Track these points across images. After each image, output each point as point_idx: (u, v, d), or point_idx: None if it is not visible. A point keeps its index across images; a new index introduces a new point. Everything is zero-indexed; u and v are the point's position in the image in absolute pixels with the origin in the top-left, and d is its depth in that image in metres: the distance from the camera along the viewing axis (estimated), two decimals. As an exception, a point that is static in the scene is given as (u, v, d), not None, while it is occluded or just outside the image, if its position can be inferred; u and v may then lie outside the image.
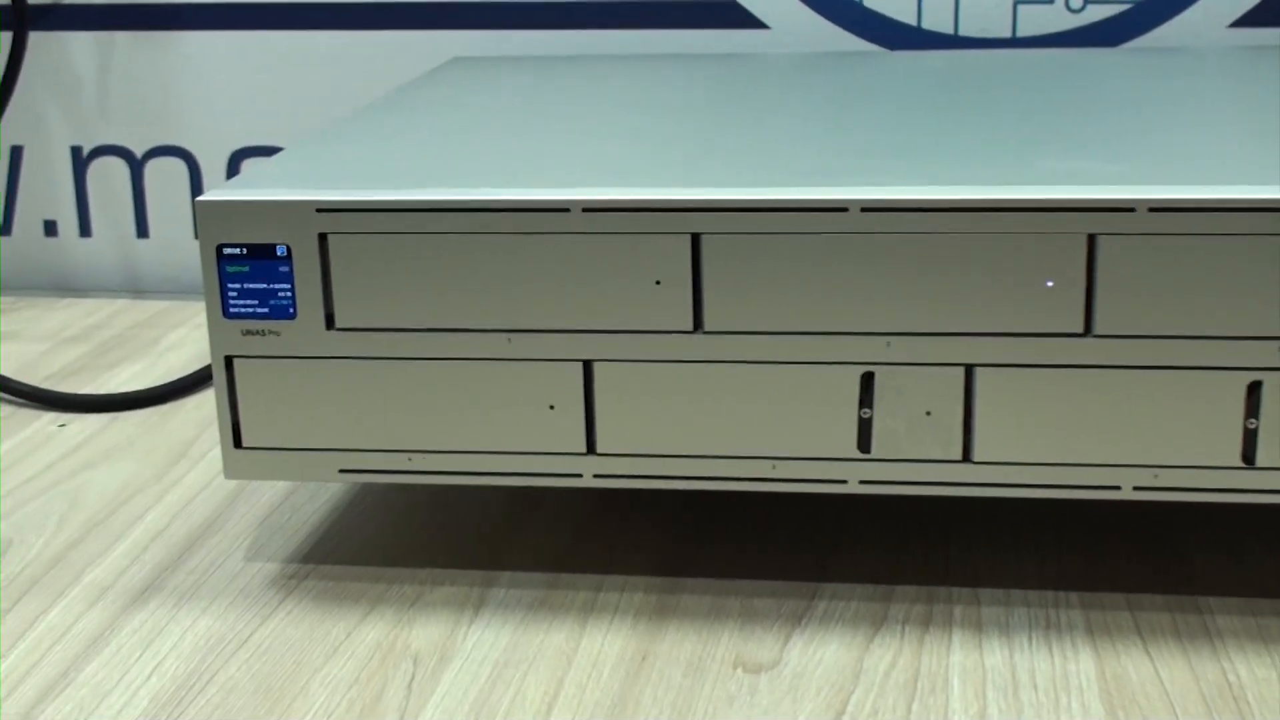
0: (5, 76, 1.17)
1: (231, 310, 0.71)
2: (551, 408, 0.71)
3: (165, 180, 1.29)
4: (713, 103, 0.90)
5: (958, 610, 0.73)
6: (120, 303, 1.27)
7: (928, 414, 0.69)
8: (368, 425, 0.72)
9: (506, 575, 0.77)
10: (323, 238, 0.70)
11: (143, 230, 1.30)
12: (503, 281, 0.69)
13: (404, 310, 0.70)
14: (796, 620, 0.73)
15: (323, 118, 1.25)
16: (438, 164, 0.75)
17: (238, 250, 0.70)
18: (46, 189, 1.32)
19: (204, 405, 1.03)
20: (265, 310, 0.71)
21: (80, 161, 1.30)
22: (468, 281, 0.70)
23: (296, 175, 0.74)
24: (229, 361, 0.72)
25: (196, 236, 1.29)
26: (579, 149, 0.78)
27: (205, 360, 1.11)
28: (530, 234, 0.69)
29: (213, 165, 1.28)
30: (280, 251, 0.70)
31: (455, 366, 0.71)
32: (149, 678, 0.70)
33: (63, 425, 1.01)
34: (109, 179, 1.30)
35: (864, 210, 0.67)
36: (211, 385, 1.06)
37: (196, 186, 1.28)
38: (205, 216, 0.70)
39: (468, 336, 0.70)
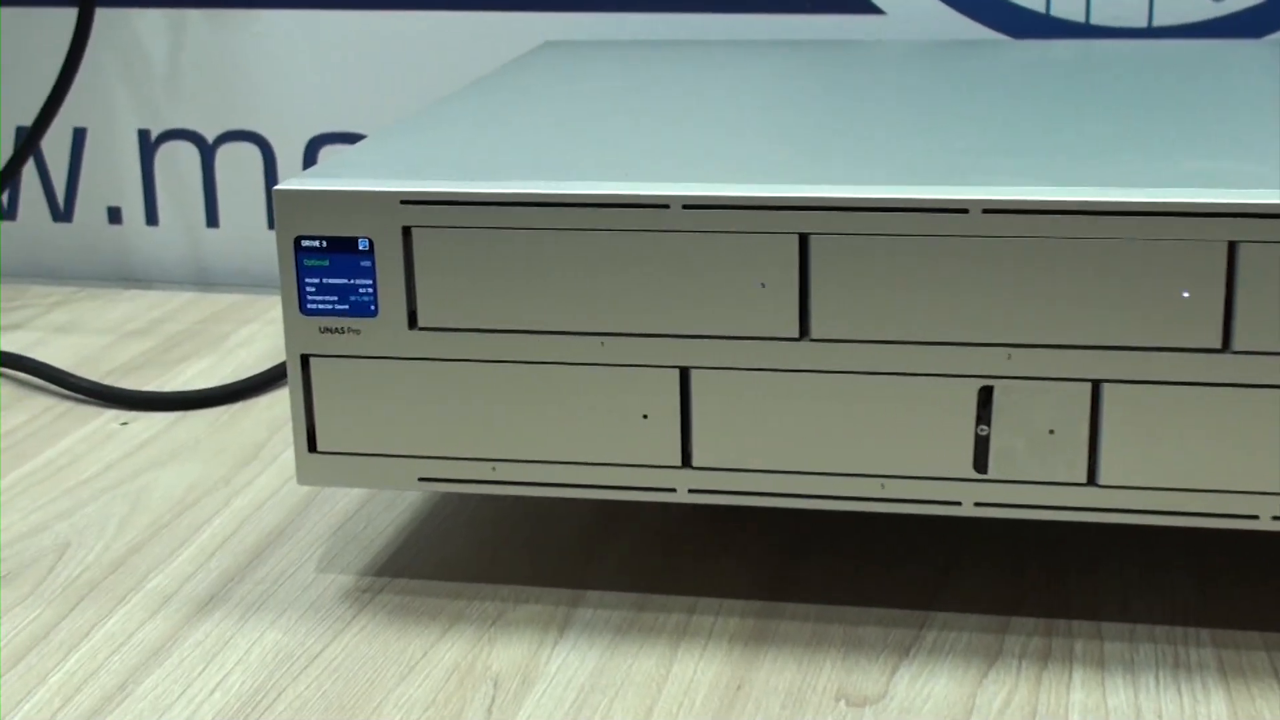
0: (70, 54, 1.18)
1: (309, 306, 0.72)
2: (645, 417, 0.71)
3: (237, 167, 1.31)
4: (823, 93, 0.90)
5: (1079, 645, 0.73)
6: (187, 295, 1.29)
7: (1050, 433, 0.69)
8: (450, 431, 0.73)
9: (594, 594, 0.78)
10: (407, 231, 0.71)
11: (213, 219, 1.32)
12: (596, 282, 0.70)
13: (491, 310, 0.71)
14: (904, 651, 0.73)
15: (407, 104, 1.26)
16: (529, 155, 0.76)
17: (317, 243, 0.71)
18: (111, 174, 1.34)
19: (275, 406, 1.04)
20: (345, 307, 0.72)
21: (147, 146, 1.32)
22: (559, 281, 0.70)
23: (380, 165, 0.75)
24: (305, 360, 0.73)
25: (271, 227, 1.31)
26: (679, 141, 0.78)
27: (276, 357, 1.12)
28: (626, 231, 0.69)
29: (288, 152, 1.29)
30: (362, 245, 0.71)
31: (544, 371, 0.71)
32: (212, 693, 0.71)
33: (125, 423, 1.02)
34: (178, 165, 1.32)
35: (985, 212, 0.67)
36: (283, 384, 1.08)
37: (270, 174, 1.30)
38: (283, 207, 0.71)
39: (558, 339, 0.71)
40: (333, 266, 0.71)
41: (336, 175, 0.72)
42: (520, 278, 0.70)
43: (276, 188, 0.71)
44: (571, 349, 0.71)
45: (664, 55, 1.06)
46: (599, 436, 0.72)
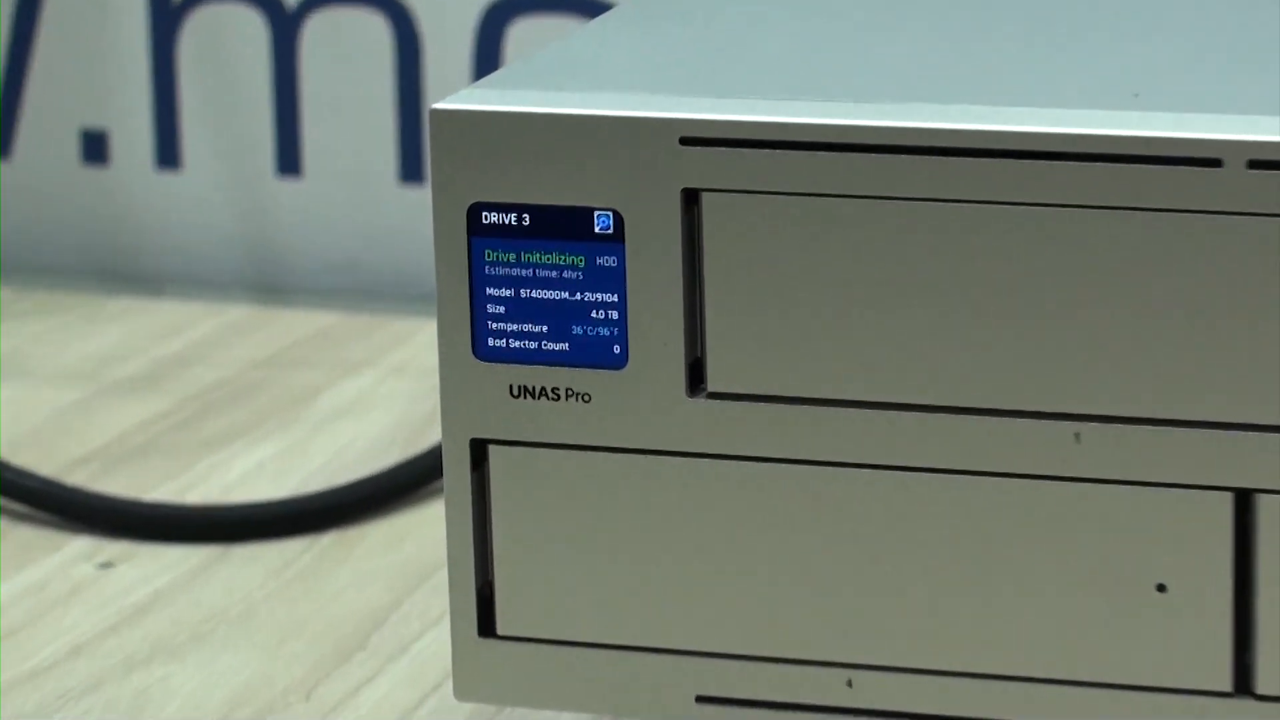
0: None
1: (491, 343, 0.73)
2: (1161, 589, 0.72)
3: (343, 57, 1.34)
4: None
5: None
6: (237, 311, 1.32)
7: None
8: (760, 605, 0.74)
9: None
10: (692, 198, 0.72)
11: (288, 162, 1.35)
12: (1066, 320, 0.70)
13: (848, 365, 0.72)
14: None
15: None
16: (909, 62, 0.77)
17: (510, 219, 0.73)
18: (82, 71, 1.37)
19: (407, 539, 1.06)
20: (562, 346, 0.73)
21: (166, 12, 1.36)
22: (992, 316, 0.71)
23: (636, 64, 0.76)
24: (480, 449, 0.75)
25: (410, 178, 1.34)
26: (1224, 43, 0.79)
27: (413, 443, 1.14)
28: (1136, 210, 0.69)
29: (444, 30, 1.32)
30: (601, 224, 0.72)
31: (959, 488, 0.72)
32: None
33: (107, 564, 1.05)
34: (221, 50, 1.35)
35: None
36: (430, 498, 1.09)
37: (408, 72, 1.33)
38: (446, 142, 0.73)
39: (991, 427, 0.71)
40: (540, 265, 0.73)
41: (550, 85, 0.74)
42: (915, 300, 0.71)
43: (435, 106, 0.73)
44: (1019, 448, 0.71)
45: None
46: (1060, 625, 0.72)
